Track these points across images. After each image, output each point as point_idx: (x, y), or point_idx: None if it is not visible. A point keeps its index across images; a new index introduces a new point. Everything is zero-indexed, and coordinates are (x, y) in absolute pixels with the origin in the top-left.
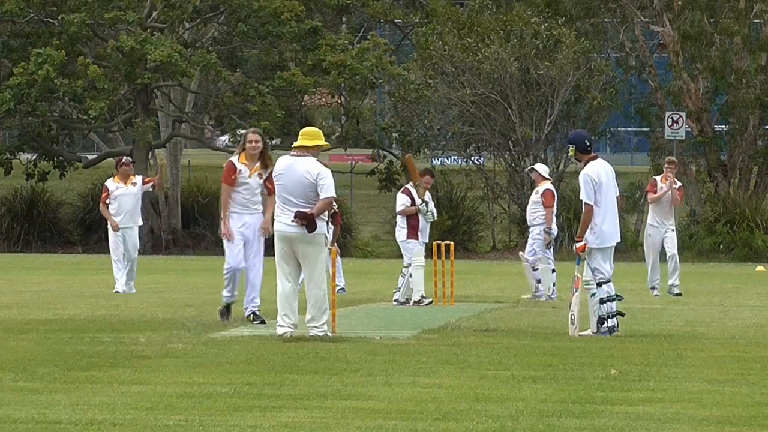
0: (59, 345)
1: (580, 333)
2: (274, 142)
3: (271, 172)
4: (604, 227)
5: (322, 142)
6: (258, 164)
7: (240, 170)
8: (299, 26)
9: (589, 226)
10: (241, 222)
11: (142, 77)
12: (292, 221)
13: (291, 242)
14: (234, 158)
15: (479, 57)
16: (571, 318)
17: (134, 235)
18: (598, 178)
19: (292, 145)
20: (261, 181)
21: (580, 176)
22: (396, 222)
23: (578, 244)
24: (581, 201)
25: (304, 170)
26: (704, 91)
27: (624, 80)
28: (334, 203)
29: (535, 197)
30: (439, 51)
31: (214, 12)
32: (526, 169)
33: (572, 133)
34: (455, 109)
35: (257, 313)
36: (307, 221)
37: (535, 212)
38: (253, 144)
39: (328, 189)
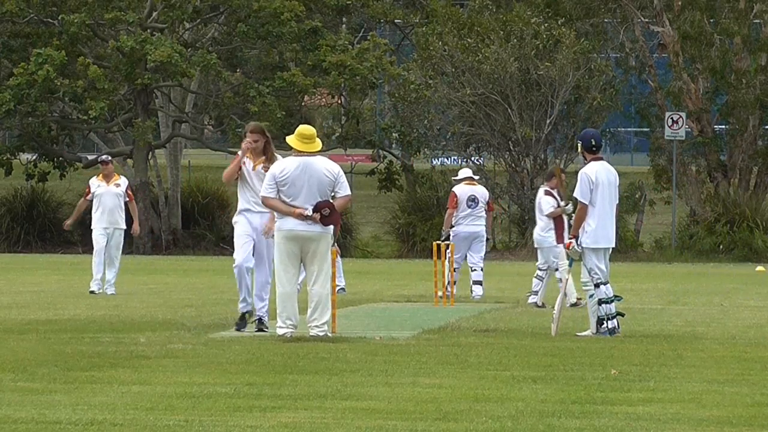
0: (59, 345)
1: (579, 333)
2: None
3: None
4: (598, 228)
5: (319, 144)
6: (263, 158)
7: (245, 162)
8: (299, 26)
9: (582, 226)
10: (249, 222)
11: (142, 77)
12: (312, 214)
13: (303, 241)
14: (240, 151)
15: (479, 57)
16: (553, 317)
17: (117, 236)
18: (596, 178)
19: (300, 148)
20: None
21: (579, 174)
22: (540, 225)
23: (566, 241)
24: (576, 198)
25: (324, 168)
26: (704, 92)
27: (624, 80)
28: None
29: None
30: (439, 51)
31: (214, 12)
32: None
33: (584, 130)
34: (455, 110)
35: (263, 319)
36: (330, 210)
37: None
38: (251, 144)
39: (346, 187)
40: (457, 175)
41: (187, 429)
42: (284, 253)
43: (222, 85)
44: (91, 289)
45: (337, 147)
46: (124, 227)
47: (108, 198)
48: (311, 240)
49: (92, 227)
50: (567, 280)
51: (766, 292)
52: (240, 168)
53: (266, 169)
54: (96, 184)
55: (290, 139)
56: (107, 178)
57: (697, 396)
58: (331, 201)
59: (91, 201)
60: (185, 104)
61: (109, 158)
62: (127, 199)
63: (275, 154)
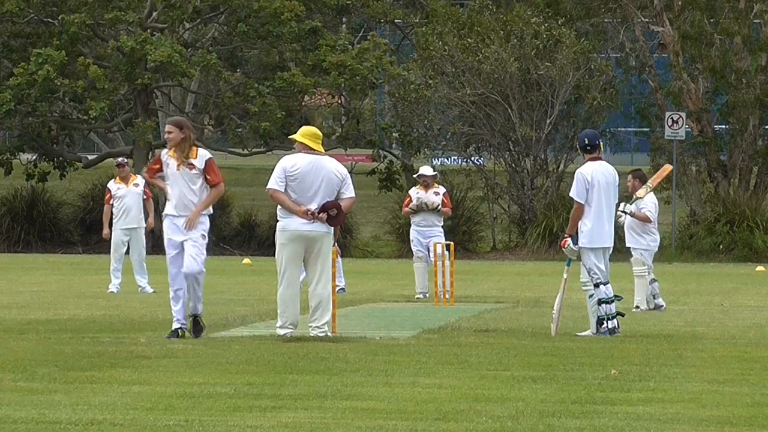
0: (59, 345)
1: (579, 334)
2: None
3: (210, 163)
4: (594, 228)
5: (322, 150)
6: (184, 155)
7: (168, 163)
8: (299, 26)
9: (578, 226)
10: (175, 226)
11: (142, 77)
12: (319, 214)
13: (308, 241)
14: (165, 150)
15: (479, 57)
16: (552, 317)
17: (141, 236)
18: (592, 178)
19: (310, 144)
20: (193, 173)
21: (575, 174)
22: (640, 230)
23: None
24: (572, 198)
25: (333, 168)
26: (704, 91)
27: (624, 80)
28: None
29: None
30: (439, 51)
31: (214, 12)
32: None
33: (582, 131)
34: (455, 110)
35: (198, 318)
36: (337, 211)
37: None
38: (167, 135)
39: (352, 189)
40: (420, 172)
41: (187, 429)
42: (288, 254)
43: (222, 85)
44: (111, 290)
45: (337, 147)
46: (145, 225)
47: (130, 199)
48: (315, 240)
49: (113, 228)
50: (565, 280)
51: (766, 292)
52: (160, 167)
53: (190, 167)
54: (116, 186)
55: (300, 137)
56: (125, 179)
57: (697, 396)
58: (338, 202)
59: (113, 204)
60: (185, 104)
61: (126, 160)
62: (146, 197)
63: (195, 149)
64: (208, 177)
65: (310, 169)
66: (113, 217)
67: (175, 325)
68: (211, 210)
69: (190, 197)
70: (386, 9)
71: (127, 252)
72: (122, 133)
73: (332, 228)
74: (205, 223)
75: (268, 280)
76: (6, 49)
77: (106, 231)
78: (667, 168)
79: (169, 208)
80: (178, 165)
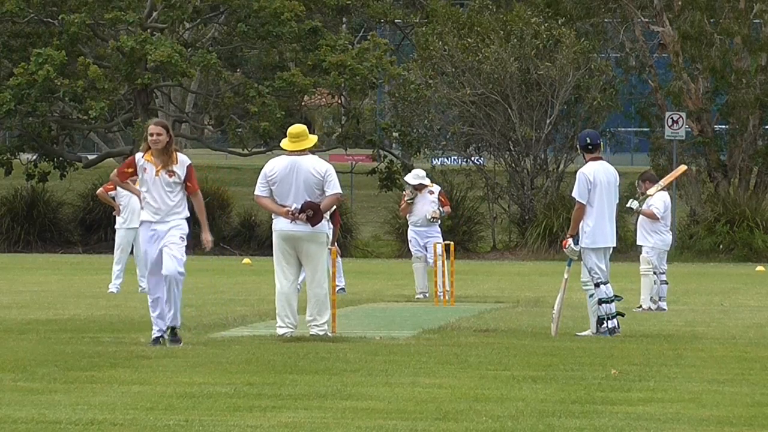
0: (59, 345)
1: (579, 333)
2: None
3: (190, 169)
4: (595, 228)
5: (313, 139)
6: (165, 161)
7: (145, 168)
8: (299, 26)
9: (580, 226)
10: (151, 232)
11: (142, 77)
12: (299, 215)
13: (294, 241)
14: (139, 153)
15: (479, 57)
16: (552, 317)
17: None
18: (594, 178)
19: (289, 148)
20: (172, 181)
21: (577, 174)
22: (650, 228)
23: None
24: (574, 198)
25: (311, 167)
26: (704, 91)
27: (624, 80)
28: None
29: (432, 197)
30: (439, 51)
31: (214, 12)
32: (415, 183)
33: (583, 131)
34: (455, 109)
35: (176, 330)
36: (314, 212)
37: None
38: (154, 137)
39: (335, 185)
40: (409, 176)
41: (187, 429)
42: (279, 252)
43: (222, 85)
44: (111, 290)
45: (337, 147)
46: None
47: (137, 200)
48: (301, 240)
49: (118, 227)
50: (566, 280)
51: (766, 292)
52: (133, 171)
53: (170, 174)
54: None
55: (282, 142)
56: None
57: (697, 396)
58: (318, 201)
59: (113, 197)
60: (185, 104)
61: None
62: None
63: (175, 154)
64: (188, 184)
65: (288, 172)
66: (119, 216)
67: (156, 334)
68: (187, 213)
69: (170, 203)
70: (386, 9)
71: (130, 252)
72: (122, 133)
73: (320, 228)
74: (184, 226)
75: (268, 280)
76: (6, 49)
77: (116, 211)
78: (682, 168)
79: (146, 215)
80: (158, 170)
